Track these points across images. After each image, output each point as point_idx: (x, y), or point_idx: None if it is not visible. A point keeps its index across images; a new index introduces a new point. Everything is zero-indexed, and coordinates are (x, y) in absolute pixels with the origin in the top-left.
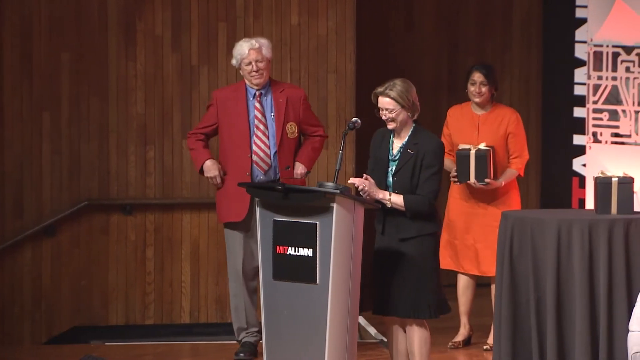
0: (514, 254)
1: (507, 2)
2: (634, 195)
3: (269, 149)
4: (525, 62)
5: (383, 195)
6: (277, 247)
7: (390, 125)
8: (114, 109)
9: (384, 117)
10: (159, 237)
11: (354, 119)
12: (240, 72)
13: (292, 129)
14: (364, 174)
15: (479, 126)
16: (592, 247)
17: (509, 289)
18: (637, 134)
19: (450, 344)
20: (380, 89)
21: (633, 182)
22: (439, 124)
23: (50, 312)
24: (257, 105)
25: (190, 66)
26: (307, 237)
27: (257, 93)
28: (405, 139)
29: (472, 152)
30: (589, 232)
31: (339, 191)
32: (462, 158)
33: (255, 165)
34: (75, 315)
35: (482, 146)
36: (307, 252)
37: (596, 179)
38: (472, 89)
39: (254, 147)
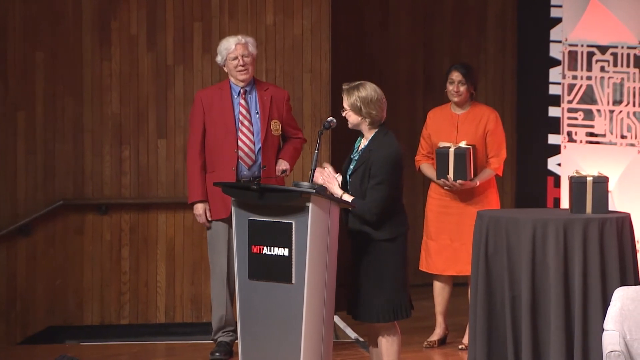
0: (489, 253)
1: (482, 2)
2: (609, 194)
3: (254, 144)
4: (500, 62)
5: (337, 191)
6: (253, 246)
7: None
8: (89, 109)
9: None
10: (135, 236)
11: (330, 118)
12: (225, 68)
13: (276, 126)
14: (324, 164)
15: (458, 125)
16: (567, 247)
17: (484, 288)
18: (611, 134)
19: (425, 343)
20: (344, 87)
21: (607, 181)
22: (414, 123)
23: (25, 312)
24: (242, 102)
25: (166, 66)
26: (283, 236)
27: (242, 90)
28: (366, 143)
29: (452, 150)
30: (564, 231)
31: (314, 191)
32: (441, 156)
33: (240, 160)
34: (50, 315)
35: (462, 144)
36: (282, 251)
37: (571, 179)
38: (450, 88)
39: (240, 143)
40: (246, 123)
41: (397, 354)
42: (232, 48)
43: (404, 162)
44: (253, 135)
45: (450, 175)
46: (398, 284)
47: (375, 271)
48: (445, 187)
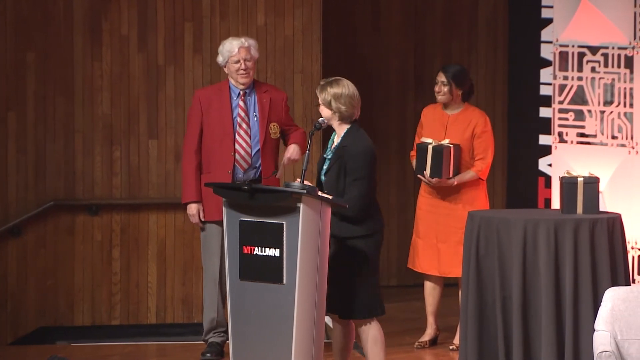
0: (480, 254)
1: (473, 2)
2: (600, 195)
3: (251, 148)
4: (491, 62)
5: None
6: (244, 247)
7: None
8: (80, 109)
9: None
10: (125, 237)
11: (321, 119)
12: (225, 70)
13: (274, 129)
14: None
15: (447, 126)
16: (558, 247)
17: (475, 288)
18: (602, 134)
19: (416, 343)
20: (321, 82)
21: (598, 182)
22: (405, 123)
23: (15, 313)
24: (242, 104)
25: (157, 66)
26: (274, 237)
27: (242, 92)
28: (339, 140)
29: (430, 146)
30: (555, 231)
31: (305, 191)
32: (420, 151)
33: (236, 163)
34: (41, 315)
35: (445, 142)
36: (273, 252)
37: (562, 179)
38: (435, 88)
39: (236, 146)
40: (244, 126)
41: (382, 353)
42: (234, 51)
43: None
44: (250, 138)
45: (427, 171)
46: (376, 280)
47: (354, 267)
48: (425, 181)
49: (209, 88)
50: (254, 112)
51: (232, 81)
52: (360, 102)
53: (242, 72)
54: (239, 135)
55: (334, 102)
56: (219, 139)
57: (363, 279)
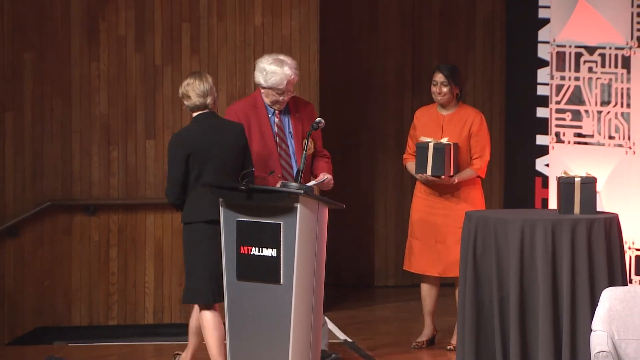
0: (477, 254)
1: (471, 3)
2: (597, 195)
3: (292, 168)
4: (489, 62)
5: None
6: (241, 247)
7: None
8: (77, 109)
9: None
10: (123, 237)
11: (318, 119)
12: (262, 90)
13: (309, 145)
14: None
15: (444, 126)
16: (555, 247)
17: (473, 288)
18: (599, 134)
19: (414, 344)
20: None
21: (596, 182)
22: (403, 123)
23: (13, 313)
24: (277, 121)
25: (154, 66)
26: (271, 237)
27: (277, 111)
28: None
29: (431, 144)
30: (552, 232)
31: (302, 191)
32: (421, 150)
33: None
34: (38, 315)
35: (444, 140)
36: (271, 252)
37: (559, 179)
38: (433, 89)
39: (282, 170)
40: (284, 146)
41: (212, 338)
42: (283, 85)
43: (190, 147)
44: (290, 157)
45: (428, 170)
46: (196, 268)
47: (184, 255)
48: (423, 181)
49: (242, 103)
50: (289, 129)
51: (265, 101)
52: (202, 92)
53: (281, 102)
54: (281, 157)
55: (180, 90)
56: (263, 162)
57: (186, 264)
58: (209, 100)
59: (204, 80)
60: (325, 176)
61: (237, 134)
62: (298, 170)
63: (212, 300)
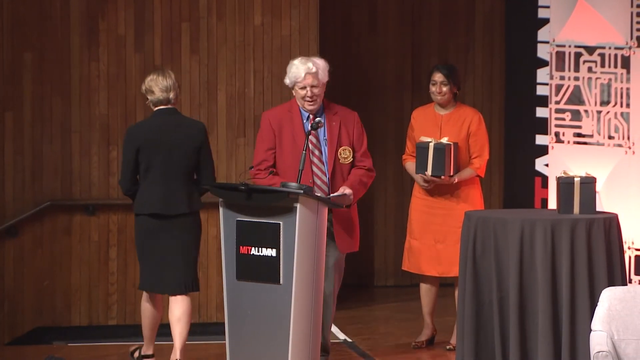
0: (477, 254)
1: (470, 3)
2: (596, 195)
3: (325, 176)
4: (488, 63)
5: None
6: (241, 247)
7: None
8: (77, 109)
9: None
10: (122, 237)
11: (318, 119)
12: (293, 92)
13: (345, 154)
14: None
15: (442, 126)
16: (555, 247)
17: (472, 288)
18: (599, 134)
19: (413, 343)
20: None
21: (595, 182)
22: (402, 123)
23: (12, 313)
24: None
25: (154, 66)
26: (271, 237)
27: (311, 116)
28: None
29: (432, 144)
30: (552, 232)
31: (302, 191)
32: (421, 150)
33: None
34: (38, 315)
35: (444, 140)
36: (270, 252)
37: (559, 179)
38: (433, 89)
39: (314, 177)
40: (317, 153)
41: (146, 325)
42: (301, 77)
43: (141, 140)
44: (324, 165)
45: (429, 170)
46: (143, 257)
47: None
48: (423, 185)
49: (278, 109)
50: (324, 136)
51: (299, 104)
52: (166, 89)
53: (308, 99)
54: (314, 164)
55: (143, 86)
56: (293, 164)
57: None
58: (171, 95)
59: (167, 76)
60: (344, 190)
61: (192, 132)
62: (299, 170)
63: (148, 288)
